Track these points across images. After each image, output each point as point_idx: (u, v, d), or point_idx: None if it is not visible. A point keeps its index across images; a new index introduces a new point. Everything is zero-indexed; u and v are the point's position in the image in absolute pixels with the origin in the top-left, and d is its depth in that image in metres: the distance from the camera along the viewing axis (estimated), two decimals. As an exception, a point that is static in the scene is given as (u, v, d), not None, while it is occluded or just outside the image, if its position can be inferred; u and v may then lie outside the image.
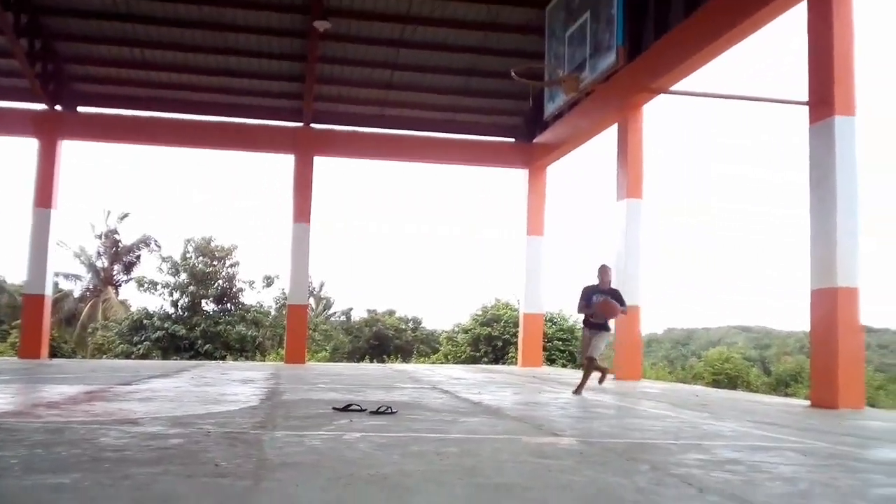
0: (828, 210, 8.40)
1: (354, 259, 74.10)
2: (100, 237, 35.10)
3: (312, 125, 17.06)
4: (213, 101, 17.11)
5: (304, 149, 16.90)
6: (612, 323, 9.48)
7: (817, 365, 8.59)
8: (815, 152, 8.69)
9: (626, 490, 3.41)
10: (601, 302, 8.87)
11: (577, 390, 9.06)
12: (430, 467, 3.89)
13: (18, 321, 21.66)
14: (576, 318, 26.27)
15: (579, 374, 16.20)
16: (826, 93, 8.52)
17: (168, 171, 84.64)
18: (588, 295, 9.00)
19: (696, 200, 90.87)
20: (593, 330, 9.09)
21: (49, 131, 16.03)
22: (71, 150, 17.00)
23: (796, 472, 4.01)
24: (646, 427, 5.99)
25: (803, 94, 8.91)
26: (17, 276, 33.00)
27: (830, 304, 8.25)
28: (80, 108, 16.58)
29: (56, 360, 17.11)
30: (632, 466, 4.05)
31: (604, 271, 9.15)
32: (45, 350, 15.95)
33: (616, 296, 9.04)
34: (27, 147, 16.23)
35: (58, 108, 16.14)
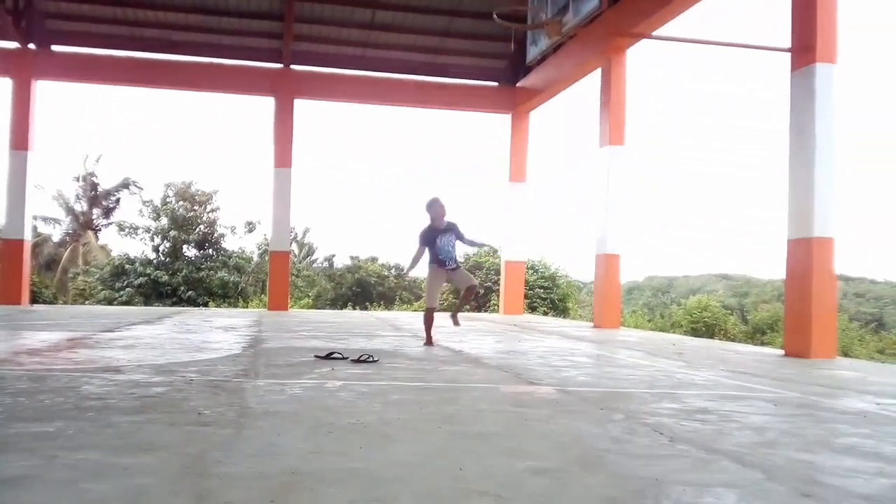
0: (806, 159, 8.46)
1: (337, 205, 73.84)
2: (78, 180, 34.67)
3: (293, 66, 16.79)
4: (190, 41, 16.76)
5: (285, 91, 16.66)
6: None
7: (791, 315, 8.75)
8: (795, 100, 8.71)
9: (600, 439, 3.50)
10: (457, 274, 8.28)
11: (455, 320, 8.86)
12: (410, 416, 3.97)
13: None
14: (557, 266, 26.47)
15: (561, 321, 16.40)
16: (808, 39, 8.51)
17: (147, 113, 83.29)
18: (429, 240, 8.16)
19: (681, 147, 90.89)
20: (448, 270, 8.26)
21: (23, 71, 15.67)
22: (46, 90, 16.65)
23: (765, 421, 4.13)
24: (622, 376, 6.11)
25: (786, 41, 8.90)
26: (-6, 219, 32.60)
27: (806, 254, 8.37)
28: (54, 47, 16.21)
29: (37, 307, 17.07)
30: (606, 415, 4.16)
31: (433, 207, 8.19)
32: (25, 296, 15.89)
33: (456, 230, 8.22)
34: (1, 87, 15.82)
35: (31, 46, 15.77)
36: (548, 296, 25.01)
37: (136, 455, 2.94)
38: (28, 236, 16.12)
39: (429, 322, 8.47)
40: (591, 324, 13.84)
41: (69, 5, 15.95)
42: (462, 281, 8.47)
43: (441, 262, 8.20)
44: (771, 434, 3.75)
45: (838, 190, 8.44)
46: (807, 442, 3.59)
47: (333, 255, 40.32)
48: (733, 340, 22.82)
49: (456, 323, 8.94)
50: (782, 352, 8.78)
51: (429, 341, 8.38)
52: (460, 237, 8.31)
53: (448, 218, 8.24)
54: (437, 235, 8.15)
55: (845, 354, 16.45)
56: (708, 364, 7.23)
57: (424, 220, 8.28)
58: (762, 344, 21.63)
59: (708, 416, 4.21)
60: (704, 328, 25.61)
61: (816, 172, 8.34)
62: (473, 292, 8.69)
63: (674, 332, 21.82)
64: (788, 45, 8.84)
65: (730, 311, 30.89)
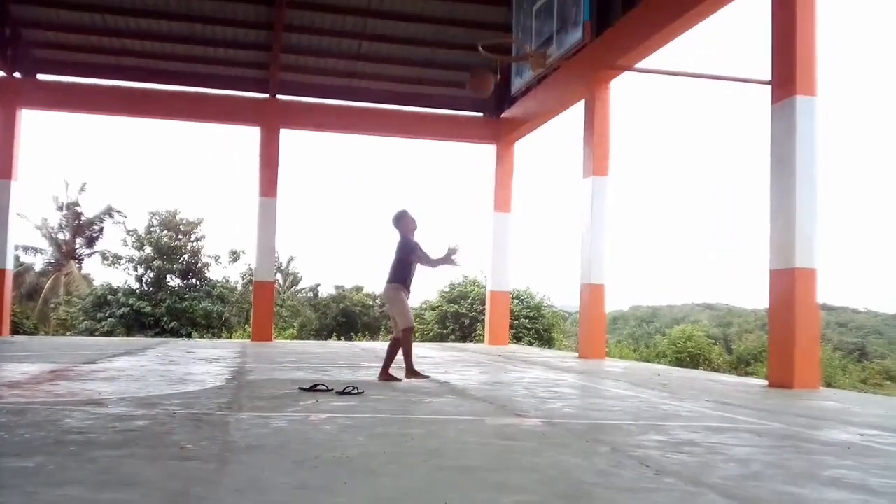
0: (787, 190, 8.53)
1: (322, 234, 73.76)
2: (61, 209, 34.49)
3: (278, 96, 16.86)
4: (176, 70, 16.81)
5: (270, 121, 16.70)
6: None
7: (774, 345, 8.78)
8: (776, 132, 8.80)
9: (586, 472, 3.49)
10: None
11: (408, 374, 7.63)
12: (395, 449, 3.94)
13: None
14: (542, 296, 26.51)
15: (546, 351, 16.37)
16: (788, 72, 8.64)
17: (131, 141, 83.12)
18: (414, 248, 7.60)
19: (663, 177, 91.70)
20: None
21: (7, 99, 15.63)
22: (31, 119, 16.63)
23: (750, 453, 4.13)
24: (607, 407, 6.10)
25: (766, 74, 9.04)
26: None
27: (788, 284, 8.42)
28: (39, 76, 16.21)
29: (18, 337, 16.87)
30: (592, 448, 4.15)
31: (403, 220, 7.63)
32: (6, 326, 15.70)
33: (418, 249, 7.62)
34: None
35: (16, 75, 15.76)
36: (533, 325, 25.05)
37: (118, 491, 2.90)
38: (10, 266, 15.97)
39: (408, 347, 7.64)
40: (577, 354, 13.83)
41: (56, 35, 15.99)
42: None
43: (408, 287, 7.64)
44: (756, 466, 3.75)
45: (820, 221, 8.52)
46: (792, 474, 3.59)
47: (318, 285, 40.24)
48: (718, 371, 22.86)
49: (389, 379, 7.59)
50: (766, 382, 8.81)
51: (409, 372, 7.59)
52: (423, 259, 7.58)
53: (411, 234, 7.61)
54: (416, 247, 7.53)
55: (829, 385, 16.52)
56: (692, 395, 7.24)
57: (394, 237, 7.68)
58: (746, 374, 21.69)
59: (694, 448, 4.21)
60: (689, 358, 25.68)
61: (797, 203, 8.41)
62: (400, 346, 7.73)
63: (658, 363, 21.85)
64: (768, 77, 8.98)
65: (714, 341, 31.02)
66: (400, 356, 7.74)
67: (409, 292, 7.68)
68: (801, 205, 8.43)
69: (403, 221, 7.64)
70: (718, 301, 55.89)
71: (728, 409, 6.20)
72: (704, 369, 22.03)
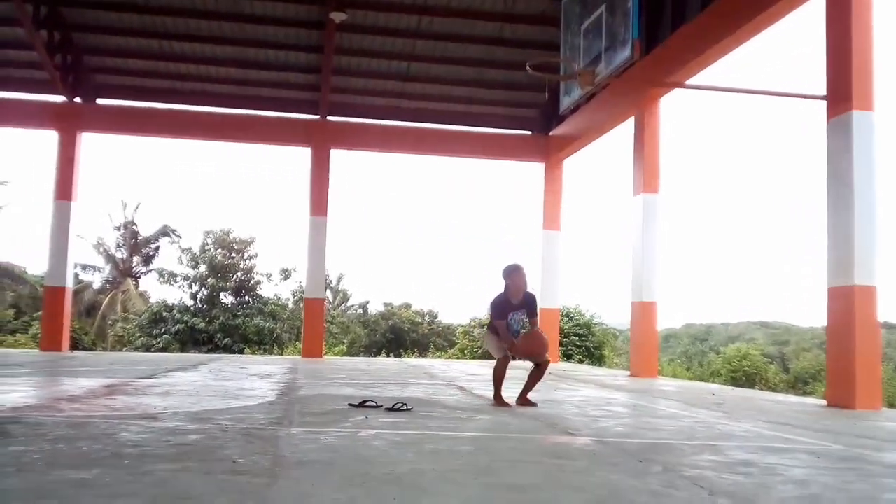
0: (845, 207, 8.33)
1: (372, 252, 74.37)
2: (118, 228, 35.44)
3: (329, 117, 17.11)
4: (230, 93, 17.21)
5: (321, 141, 16.95)
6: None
7: (833, 364, 8.54)
8: (832, 148, 8.62)
9: (638, 492, 3.43)
10: (528, 335, 6.97)
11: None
12: (444, 466, 3.93)
13: (39, 313, 21.94)
14: (593, 313, 26.21)
15: (597, 369, 16.20)
16: (844, 87, 8.45)
17: (187, 163, 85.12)
18: (504, 312, 6.92)
19: (721, 193, 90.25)
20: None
21: (69, 123, 16.17)
22: (90, 141, 17.14)
23: (808, 474, 4.02)
24: (660, 427, 6.00)
25: (821, 89, 8.86)
26: (37, 267, 33.41)
27: (847, 302, 8.20)
28: (99, 100, 16.73)
29: (77, 353, 17.32)
30: (644, 468, 4.08)
31: (516, 276, 6.94)
32: (66, 342, 16.15)
33: (532, 306, 7.05)
34: (48, 139, 16.32)
35: (77, 99, 16.29)
36: (583, 343, 24.76)
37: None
38: (69, 284, 16.45)
39: (499, 375, 7.11)
40: (628, 372, 13.64)
41: (115, 60, 16.50)
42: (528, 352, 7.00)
43: (505, 332, 6.95)
44: (815, 488, 3.64)
45: (879, 237, 8.30)
46: (852, 497, 3.48)
47: (367, 302, 40.48)
48: (774, 390, 22.30)
49: (525, 403, 7.14)
50: (825, 402, 8.56)
51: (498, 400, 7.07)
52: (532, 315, 7.03)
53: (528, 289, 7.05)
54: (510, 310, 6.92)
55: (891, 405, 15.98)
56: (748, 415, 7.08)
57: (498, 287, 7.03)
58: (804, 394, 21.12)
59: (749, 468, 4.11)
60: (744, 377, 25.12)
61: (856, 220, 8.20)
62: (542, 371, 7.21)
63: (713, 382, 21.41)
64: (824, 92, 8.80)
65: (770, 360, 30.30)
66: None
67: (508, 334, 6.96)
68: (860, 221, 8.21)
69: (514, 277, 6.92)
70: (775, 319, 54.61)
71: (785, 429, 6.04)
72: (761, 389, 21.53)
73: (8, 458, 3.78)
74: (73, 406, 6.06)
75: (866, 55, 8.45)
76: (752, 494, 3.43)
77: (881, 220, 8.35)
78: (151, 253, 35.91)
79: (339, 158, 20.82)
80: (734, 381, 23.43)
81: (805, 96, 9.49)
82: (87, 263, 34.60)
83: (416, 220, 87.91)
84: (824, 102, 8.77)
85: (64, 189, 15.99)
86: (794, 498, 3.41)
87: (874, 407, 8.02)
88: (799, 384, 26.09)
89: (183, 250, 29.75)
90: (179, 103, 16.89)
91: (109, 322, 31.77)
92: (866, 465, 4.44)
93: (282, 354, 24.80)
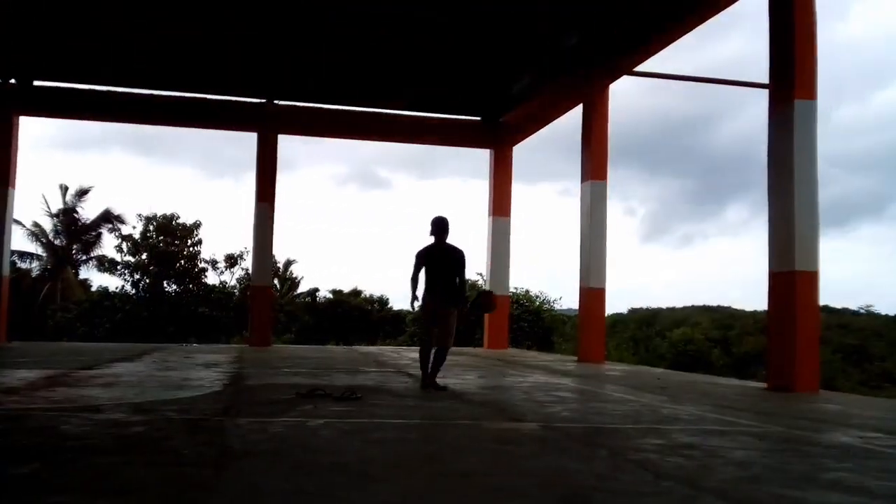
0: (786, 193, 8.53)
1: (319, 238, 73.71)
2: (57, 215, 34.39)
3: (276, 101, 16.82)
4: (173, 76, 16.76)
5: (267, 126, 16.68)
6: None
7: (774, 349, 8.76)
8: (774, 134, 8.81)
9: (585, 476, 3.48)
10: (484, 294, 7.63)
11: (428, 382, 7.39)
12: (392, 454, 3.93)
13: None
14: (542, 299, 26.44)
15: (546, 355, 16.34)
16: (787, 76, 8.64)
17: (129, 145, 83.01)
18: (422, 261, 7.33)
19: (660, 179, 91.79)
20: (440, 301, 7.36)
21: (5, 107, 15.62)
22: (28, 124, 16.61)
23: (749, 456, 4.12)
24: (606, 411, 6.09)
25: (765, 77, 9.03)
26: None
27: (788, 287, 8.41)
28: (36, 83, 16.17)
29: (15, 343, 16.81)
30: (591, 452, 4.13)
31: (439, 227, 7.30)
32: (2, 332, 15.66)
33: (458, 261, 7.32)
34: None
35: (12, 81, 15.71)
36: (532, 329, 24.98)
37: (114, 497, 2.88)
38: (6, 272, 15.93)
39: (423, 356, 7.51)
40: (576, 358, 13.81)
41: (52, 40, 15.92)
42: (447, 331, 7.42)
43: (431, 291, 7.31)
44: (756, 469, 3.74)
45: (819, 223, 8.52)
46: (792, 477, 3.58)
47: (316, 289, 40.12)
48: (718, 374, 22.82)
49: (430, 387, 7.32)
50: (766, 385, 8.79)
51: (426, 379, 7.36)
52: (461, 265, 7.35)
53: (453, 242, 7.27)
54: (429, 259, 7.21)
55: (829, 387, 16.48)
56: (692, 398, 7.23)
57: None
58: (747, 377, 21.64)
59: (693, 451, 4.19)
60: (689, 361, 25.62)
61: (797, 206, 8.40)
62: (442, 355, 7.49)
63: (658, 366, 21.81)
64: (767, 80, 8.98)
65: (714, 344, 30.97)
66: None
67: (433, 298, 7.57)
68: (801, 207, 8.42)
69: (448, 230, 7.19)
70: (720, 303, 55.71)
71: (727, 412, 6.19)
72: (704, 372, 21.98)
73: (-60, 453, 3.65)
74: (11, 398, 5.89)
75: (810, 44, 8.64)
76: (696, 476, 3.51)
77: (822, 206, 8.56)
78: (91, 240, 34.94)
79: (288, 142, 20.51)
80: (679, 365, 23.89)
81: (748, 84, 9.69)
82: (25, 251, 33.56)
83: (366, 205, 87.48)
84: (767, 91, 8.95)
85: (1, 175, 15.43)
86: (736, 479, 3.49)
87: (813, 389, 8.26)
88: (742, 368, 26.74)
89: (123, 237, 29.05)
90: (121, 86, 16.38)
91: (48, 312, 30.90)
92: (805, 445, 4.57)
93: (228, 343, 24.47)
